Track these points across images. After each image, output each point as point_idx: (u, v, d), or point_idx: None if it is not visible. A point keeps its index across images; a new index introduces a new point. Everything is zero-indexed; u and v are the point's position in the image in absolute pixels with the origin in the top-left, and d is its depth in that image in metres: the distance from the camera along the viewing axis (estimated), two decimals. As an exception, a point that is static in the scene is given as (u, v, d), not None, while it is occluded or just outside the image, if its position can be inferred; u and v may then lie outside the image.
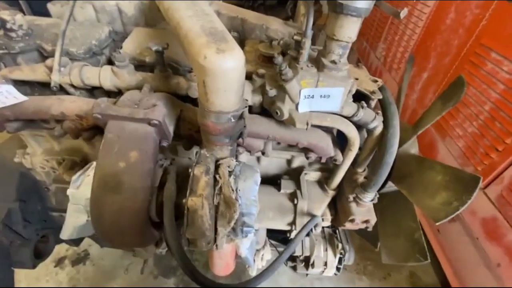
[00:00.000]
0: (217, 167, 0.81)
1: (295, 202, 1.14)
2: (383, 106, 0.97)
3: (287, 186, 1.17)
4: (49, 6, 1.12)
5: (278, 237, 1.40)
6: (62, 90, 0.96)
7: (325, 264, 1.31)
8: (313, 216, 1.14)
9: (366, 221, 1.07)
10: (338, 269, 1.33)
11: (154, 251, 1.20)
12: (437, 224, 0.85)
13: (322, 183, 1.19)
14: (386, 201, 1.18)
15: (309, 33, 0.77)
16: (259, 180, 0.87)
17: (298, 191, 1.14)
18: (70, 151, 1.18)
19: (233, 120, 0.73)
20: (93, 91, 1.01)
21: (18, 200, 1.19)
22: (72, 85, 0.94)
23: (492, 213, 1.39)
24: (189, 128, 0.94)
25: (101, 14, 1.12)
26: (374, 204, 1.07)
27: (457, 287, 1.61)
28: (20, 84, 0.96)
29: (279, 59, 0.77)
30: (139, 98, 0.81)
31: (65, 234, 0.94)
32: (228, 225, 0.75)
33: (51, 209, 1.34)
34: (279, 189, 1.18)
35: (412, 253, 1.06)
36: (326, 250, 1.31)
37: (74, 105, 0.89)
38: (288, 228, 1.19)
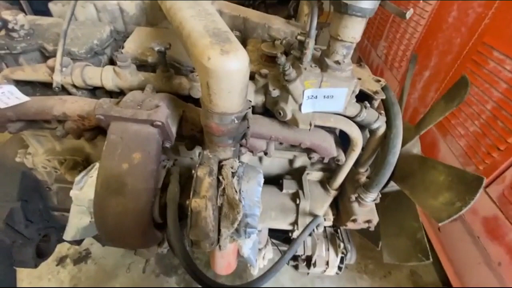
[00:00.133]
0: (220, 168, 0.81)
1: (297, 202, 1.14)
2: (386, 106, 0.97)
3: (289, 186, 1.17)
4: (50, 5, 1.11)
5: (280, 236, 1.41)
6: (64, 90, 0.95)
7: (327, 263, 1.32)
8: (315, 216, 1.14)
9: (368, 221, 1.07)
10: (339, 268, 1.34)
11: (156, 251, 1.20)
12: (440, 224, 0.85)
13: (324, 183, 1.19)
14: (388, 201, 1.18)
15: (313, 33, 0.76)
16: (262, 181, 0.87)
17: (300, 191, 1.14)
18: (72, 151, 1.17)
19: (236, 121, 0.73)
20: (95, 91, 1.00)
21: (20, 199, 1.19)
22: (74, 85, 0.93)
23: (494, 212, 1.39)
24: (191, 129, 0.94)
25: (103, 13, 1.11)
26: (376, 204, 1.07)
27: (458, 286, 1.61)
28: (22, 84, 0.96)
29: (282, 59, 0.77)
30: (142, 98, 0.80)
31: (68, 235, 0.94)
32: (231, 226, 0.75)
33: (53, 208, 1.34)
34: (281, 189, 1.18)
35: (414, 253, 1.06)
36: (328, 249, 1.32)
37: (76, 105, 0.88)
38: (290, 228, 1.19)
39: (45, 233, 1.34)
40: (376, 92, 0.94)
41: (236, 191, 0.76)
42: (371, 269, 1.98)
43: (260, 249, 1.29)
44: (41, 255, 1.33)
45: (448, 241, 1.71)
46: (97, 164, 0.93)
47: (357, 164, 1.09)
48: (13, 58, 0.97)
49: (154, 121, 0.75)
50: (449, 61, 1.80)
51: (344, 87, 0.80)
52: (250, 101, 0.88)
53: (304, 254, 1.35)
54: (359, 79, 0.97)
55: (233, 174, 0.80)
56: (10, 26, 0.92)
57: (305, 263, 1.42)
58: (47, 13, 1.14)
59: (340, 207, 1.20)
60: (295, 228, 1.16)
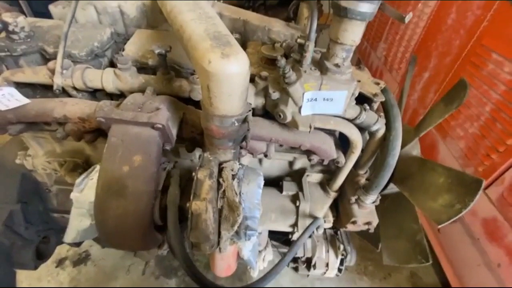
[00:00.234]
0: (220, 170, 0.81)
1: (297, 204, 1.14)
2: (385, 108, 0.97)
3: (289, 188, 1.18)
4: (51, 7, 1.11)
5: (280, 238, 1.41)
6: (64, 92, 0.95)
7: (327, 265, 1.32)
8: (315, 218, 1.15)
9: (368, 223, 1.07)
10: (339, 270, 1.34)
11: (156, 253, 1.20)
12: (439, 226, 0.86)
13: (324, 185, 1.20)
14: (388, 202, 1.18)
15: (313, 36, 0.77)
16: (262, 183, 0.87)
17: (300, 193, 1.15)
18: (72, 153, 1.17)
19: (237, 124, 0.73)
20: (96, 93, 1.00)
21: (20, 201, 1.19)
22: (75, 88, 0.94)
23: (493, 214, 1.39)
24: (191, 131, 0.94)
25: (103, 15, 1.11)
26: (375, 206, 1.08)
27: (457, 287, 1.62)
28: (22, 87, 0.96)
29: (282, 61, 0.77)
30: (142, 101, 0.81)
31: (68, 237, 0.94)
32: (231, 228, 0.75)
33: (53, 210, 1.34)
34: (281, 191, 1.18)
35: (413, 255, 1.06)
36: (328, 251, 1.32)
37: (77, 107, 0.89)
38: (290, 230, 1.19)
39: (45, 235, 1.34)
40: (375, 95, 0.94)
41: (236, 194, 0.77)
42: (371, 271, 1.99)
43: (260, 251, 1.30)
44: (41, 257, 1.33)
45: (447, 243, 1.71)
46: (97, 167, 0.93)
47: (356, 166, 1.09)
48: (14, 60, 0.97)
49: (154, 123, 0.75)
50: (448, 63, 1.81)
51: (344, 90, 0.81)
52: (250, 103, 0.89)
53: (304, 256, 1.35)
54: (359, 81, 0.98)
55: (233, 176, 0.80)
56: (10, 28, 0.92)
57: (305, 265, 1.42)
58: (47, 15, 1.14)
59: (340, 209, 1.20)
60: (295, 230, 1.16)
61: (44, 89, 0.99)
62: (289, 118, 0.87)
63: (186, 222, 0.74)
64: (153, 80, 0.93)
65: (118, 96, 0.97)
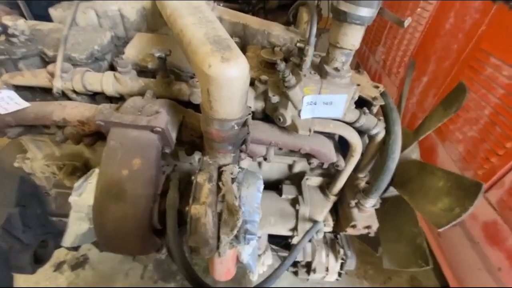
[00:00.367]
0: (220, 174, 0.81)
1: (297, 207, 1.14)
2: (384, 112, 0.98)
3: (288, 191, 1.17)
4: (51, 10, 1.11)
5: (280, 242, 1.40)
6: (63, 95, 0.95)
7: (327, 269, 1.31)
8: (314, 222, 1.14)
9: (368, 227, 1.07)
10: (339, 274, 1.33)
11: (154, 257, 1.19)
12: (439, 230, 0.85)
13: (324, 188, 1.19)
14: (387, 206, 1.18)
15: (313, 40, 0.77)
16: (262, 187, 0.87)
17: (299, 197, 1.14)
18: (70, 156, 1.17)
19: (236, 128, 0.73)
20: (95, 96, 1.00)
21: (18, 205, 1.19)
22: (74, 91, 0.93)
23: (493, 217, 1.39)
24: (191, 134, 0.94)
25: (103, 19, 1.11)
26: (375, 209, 1.07)
27: (457, 292, 1.61)
28: (21, 90, 0.96)
29: (281, 65, 0.77)
30: (142, 104, 0.81)
31: (67, 242, 0.93)
32: (231, 232, 0.75)
33: (51, 214, 1.33)
34: (280, 194, 1.18)
35: (414, 259, 1.06)
36: (328, 255, 1.31)
37: (76, 111, 0.89)
38: (289, 233, 1.18)
39: (43, 239, 1.33)
40: (375, 98, 0.94)
41: (235, 197, 0.76)
42: (371, 275, 1.97)
43: (259, 255, 1.29)
44: (39, 260, 1.32)
45: (448, 246, 1.70)
46: (96, 170, 0.93)
47: (356, 169, 1.09)
48: (13, 63, 0.97)
49: (154, 127, 0.75)
50: (447, 67, 1.81)
51: (343, 94, 0.81)
52: (250, 107, 0.89)
53: (303, 260, 1.34)
54: (358, 85, 0.98)
55: (233, 180, 0.80)
56: (10, 31, 0.92)
57: (305, 269, 1.41)
58: (47, 18, 1.14)
59: (339, 213, 1.20)
60: (295, 233, 1.16)
61: (44, 92, 0.99)
62: (288, 122, 0.87)
63: (185, 226, 0.73)
64: (153, 84, 0.93)
65: (118, 100, 0.97)
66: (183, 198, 0.86)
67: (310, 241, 1.24)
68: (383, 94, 0.98)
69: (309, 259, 1.33)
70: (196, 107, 0.93)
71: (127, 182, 0.73)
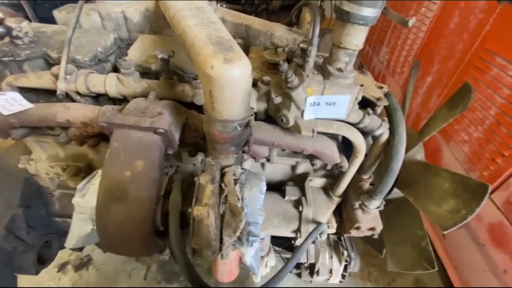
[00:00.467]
0: (222, 175, 0.81)
1: (300, 209, 1.13)
2: (389, 112, 0.97)
3: (292, 192, 1.17)
4: (55, 13, 1.12)
5: (283, 243, 1.39)
6: (67, 97, 0.96)
7: (330, 271, 1.30)
8: (318, 223, 1.13)
9: (372, 229, 1.06)
10: (343, 276, 1.32)
11: (157, 258, 1.19)
12: (445, 232, 0.84)
13: (327, 189, 1.19)
14: (392, 207, 1.17)
15: (315, 41, 0.76)
16: (264, 188, 0.86)
17: (303, 198, 1.13)
18: (74, 157, 1.18)
19: (239, 129, 0.73)
20: (99, 98, 1.01)
21: (22, 206, 1.19)
22: (78, 93, 0.94)
23: (499, 219, 1.37)
24: (194, 136, 0.94)
25: (107, 21, 1.12)
26: (380, 210, 1.06)
27: (463, 294, 1.59)
28: (25, 91, 0.96)
29: (284, 66, 0.77)
30: (145, 106, 0.81)
31: (70, 243, 0.94)
32: (233, 234, 0.74)
33: (55, 214, 1.34)
34: (283, 195, 1.17)
35: (419, 261, 1.04)
36: (331, 257, 1.30)
37: (80, 112, 0.89)
38: (293, 235, 1.18)
39: (47, 239, 1.34)
40: (378, 99, 0.93)
41: (238, 199, 0.76)
42: (375, 277, 1.96)
43: (262, 257, 1.28)
44: (42, 261, 1.33)
45: (453, 248, 1.69)
46: (99, 171, 0.93)
47: (360, 170, 1.08)
48: (17, 65, 0.97)
49: (157, 128, 0.75)
50: (452, 67, 1.80)
51: (347, 94, 0.80)
52: (253, 108, 0.88)
53: (307, 262, 1.33)
54: (362, 85, 0.97)
55: (236, 181, 0.79)
56: (14, 33, 0.93)
57: (308, 271, 1.40)
58: (51, 20, 1.15)
59: (343, 214, 1.19)
60: (298, 235, 1.15)
61: (48, 94, 1.00)
62: (291, 123, 0.86)
63: (188, 227, 0.73)
64: (156, 85, 0.93)
65: (121, 101, 0.97)
66: (186, 199, 0.86)
67: (313, 242, 1.23)
68: (387, 95, 0.97)
69: (312, 261, 1.32)
70: (200, 108, 0.93)
71: (130, 183, 0.73)
